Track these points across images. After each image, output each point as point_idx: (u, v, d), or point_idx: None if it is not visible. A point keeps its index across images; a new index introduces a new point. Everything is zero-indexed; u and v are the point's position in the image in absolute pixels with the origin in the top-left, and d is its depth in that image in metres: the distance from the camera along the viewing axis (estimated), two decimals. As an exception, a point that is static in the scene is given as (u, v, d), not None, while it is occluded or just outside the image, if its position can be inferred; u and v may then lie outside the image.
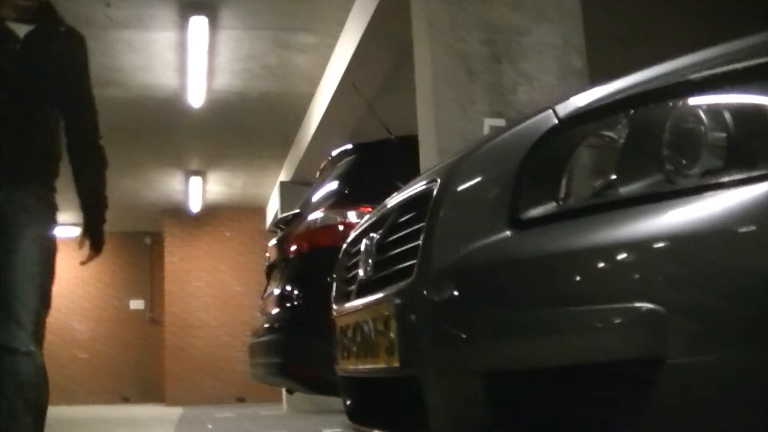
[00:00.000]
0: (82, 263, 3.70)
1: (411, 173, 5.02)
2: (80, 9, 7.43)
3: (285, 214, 6.43)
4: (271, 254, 6.50)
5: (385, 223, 2.37)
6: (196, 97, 9.58)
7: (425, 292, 1.87)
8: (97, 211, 3.67)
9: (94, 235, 3.67)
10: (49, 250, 3.32)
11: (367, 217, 2.77)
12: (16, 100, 3.40)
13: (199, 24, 7.80)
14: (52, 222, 3.43)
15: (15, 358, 3.09)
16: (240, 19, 7.93)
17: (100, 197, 3.67)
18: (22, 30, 3.47)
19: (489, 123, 4.38)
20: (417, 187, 2.22)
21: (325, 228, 5.34)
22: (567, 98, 1.85)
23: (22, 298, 3.16)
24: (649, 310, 1.40)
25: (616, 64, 7.63)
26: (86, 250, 3.68)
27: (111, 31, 8.04)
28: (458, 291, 1.79)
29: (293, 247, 5.69)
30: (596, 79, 4.63)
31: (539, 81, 4.56)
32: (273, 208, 14.39)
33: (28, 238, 3.24)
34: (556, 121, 1.79)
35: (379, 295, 2.17)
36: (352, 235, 2.83)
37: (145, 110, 10.22)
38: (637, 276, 1.45)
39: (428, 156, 4.56)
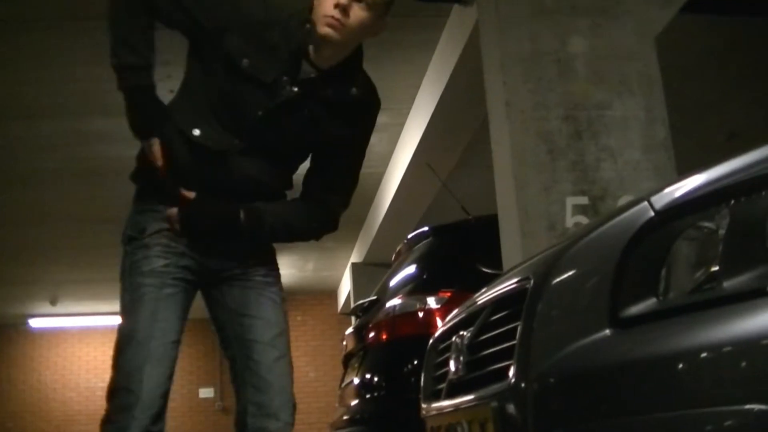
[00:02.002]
0: None
1: (491, 256, 5.06)
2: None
3: (361, 301, 6.46)
4: (348, 343, 6.52)
5: (475, 320, 2.38)
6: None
7: (525, 395, 1.88)
8: None
9: None
10: None
11: (454, 312, 2.78)
12: None
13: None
14: None
15: None
16: (308, 100, 8.06)
17: None
18: None
19: (571, 202, 4.39)
20: (508, 284, 2.23)
21: (405, 315, 5.35)
22: (661, 188, 1.86)
23: None
24: (762, 411, 1.39)
25: (699, 130, 7.65)
26: None
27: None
28: (559, 394, 1.79)
29: (372, 336, 5.71)
30: (680, 150, 4.66)
31: (623, 156, 4.56)
32: (345, 291, 14.45)
33: None
34: (653, 214, 1.80)
35: (474, 396, 2.18)
36: (440, 331, 2.84)
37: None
38: (747, 376, 1.43)
39: (510, 238, 4.57)
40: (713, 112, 8.37)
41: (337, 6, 2.82)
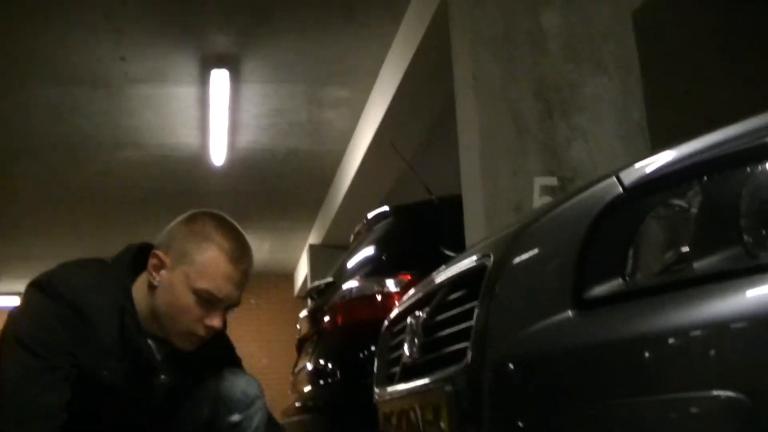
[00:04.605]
0: None
1: (454, 238, 5.04)
2: (94, 64, 7.54)
3: (317, 283, 6.42)
4: (302, 327, 6.49)
5: (431, 300, 2.35)
6: (217, 156, 9.65)
7: (480, 380, 1.85)
8: None
9: None
10: None
11: (411, 292, 2.76)
12: None
13: (220, 78, 7.89)
14: None
15: None
16: (265, 72, 8.00)
17: None
18: None
19: (539, 182, 4.38)
20: (467, 262, 2.21)
21: (362, 299, 5.32)
22: (631, 164, 1.84)
23: None
24: (730, 398, 1.37)
25: (676, 119, 7.68)
26: None
27: (127, 87, 8.15)
28: (517, 378, 1.77)
29: (327, 320, 5.68)
30: (656, 134, 4.66)
31: (594, 136, 4.55)
32: (302, 274, 14.42)
33: None
34: (621, 190, 1.77)
35: (428, 380, 2.16)
36: (395, 312, 2.81)
37: (164, 170, 10.30)
38: (715, 361, 1.42)
39: (474, 220, 4.55)
40: (692, 99, 8.39)
41: (210, 327, 2.74)
